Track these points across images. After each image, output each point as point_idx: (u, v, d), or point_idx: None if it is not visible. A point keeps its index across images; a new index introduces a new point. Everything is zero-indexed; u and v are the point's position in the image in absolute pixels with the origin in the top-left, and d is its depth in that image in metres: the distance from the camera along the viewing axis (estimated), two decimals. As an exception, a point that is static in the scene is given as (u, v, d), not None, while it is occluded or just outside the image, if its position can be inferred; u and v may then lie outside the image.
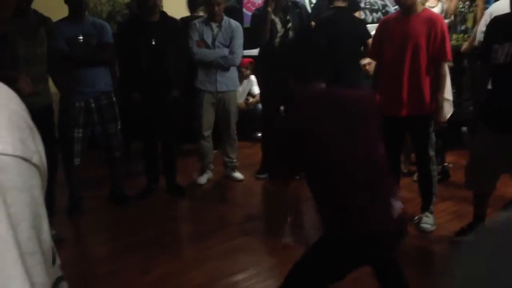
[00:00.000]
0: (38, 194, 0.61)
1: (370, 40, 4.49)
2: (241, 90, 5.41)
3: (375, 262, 2.04)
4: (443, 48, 3.28)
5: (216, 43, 4.29)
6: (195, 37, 4.28)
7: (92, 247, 3.66)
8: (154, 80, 4.02)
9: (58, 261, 0.78)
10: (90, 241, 3.77)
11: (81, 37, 3.76)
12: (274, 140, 2.14)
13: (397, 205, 1.92)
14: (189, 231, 3.67)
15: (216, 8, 4.24)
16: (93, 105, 3.87)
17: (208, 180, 4.65)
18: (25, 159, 0.60)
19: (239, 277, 3.00)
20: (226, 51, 4.28)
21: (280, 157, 2.07)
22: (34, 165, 0.62)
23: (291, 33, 4.47)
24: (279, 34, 4.37)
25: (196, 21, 4.43)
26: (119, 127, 4.06)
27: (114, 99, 4.01)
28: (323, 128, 1.90)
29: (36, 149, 0.64)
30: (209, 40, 4.29)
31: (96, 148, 4.18)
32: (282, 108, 4.71)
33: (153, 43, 3.98)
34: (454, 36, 5.48)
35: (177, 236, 3.59)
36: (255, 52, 4.91)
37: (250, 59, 5.49)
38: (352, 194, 1.89)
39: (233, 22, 4.35)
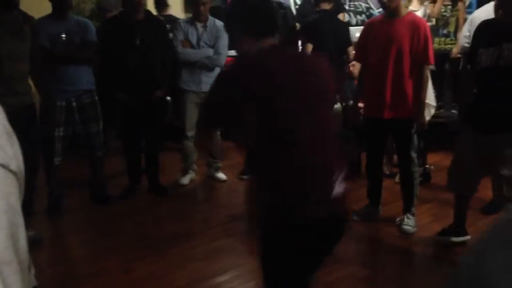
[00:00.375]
0: (15, 201, 0.60)
1: (350, 48, 4.58)
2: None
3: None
4: (426, 52, 3.32)
5: (201, 43, 4.27)
6: (180, 36, 4.26)
7: (73, 247, 3.62)
8: (138, 79, 3.99)
9: (32, 270, 0.75)
10: (70, 241, 3.72)
11: (64, 35, 3.72)
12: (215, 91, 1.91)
13: (340, 187, 1.76)
14: (171, 231, 3.64)
15: (202, 8, 4.22)
16: (74, 103, 3.83)
17: (191, 180, 4.63)
18: (3, 166, 0.58)
19: (222, 278, 2.99)
20: (211, 52, 4.27)
21: (214, 109, 1.86)
22: (12, 171, 0.60)
23: (276, 34, 4.47)
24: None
25: (181, 21, 4.41)
26: (101, 126, 4.03)
27: (96, 98, 3.97)
28: (277, 79, 1.73)
29: (14, 155, 0.62)
30: (194, 40, 4.27)
31: (77, 148, 4.13)
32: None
33: (138, 42, 3.95)
34: (436, 39, 5.55)
35: (159, 236, 3.56)
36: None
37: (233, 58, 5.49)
38: (296, 158, 1.73)
39: (218, 22, 4.34)
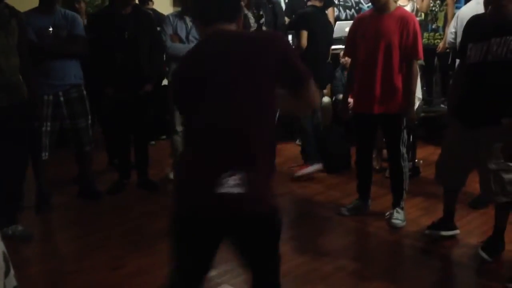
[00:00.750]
0: None
1: (330, 48, 4.67)
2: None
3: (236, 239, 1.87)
4: (415, 47, 3.33)
5: (190, 37, 4.24)
6: (169, 31, 4.23)
7: (62, 243, 3.59)
8: (127, 74, 3.96)
9: (12, 271, 0.74)
10: (59, 238, 3.69)
11: (50, 29, 3.68)
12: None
13: (231, 182, 1.66)
14: (161, 227, 3.60)
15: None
16: (62, 98, 3.79)
17: (181, 175, 4.61)
18: None
19: (212, 273, 2.97)
20: (200, 46, 4.24)
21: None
22: None
23: (264, 28, 4.46)
24: (252, 29, 4.36)
25: (170, 15, 4.38)
26: (89, 121, 3.99)
27: (84, 92, 3.93)
28: (205, 68, 1.69)
29: None
30: (183, 34, 4.24)
31: (65, 143, 4.09)
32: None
33: (126, 36, 3.91)
34: (425, 34, 5.57)
35: (149, 232, 3.54)
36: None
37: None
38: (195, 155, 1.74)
39: (207, 17, 4.31)
